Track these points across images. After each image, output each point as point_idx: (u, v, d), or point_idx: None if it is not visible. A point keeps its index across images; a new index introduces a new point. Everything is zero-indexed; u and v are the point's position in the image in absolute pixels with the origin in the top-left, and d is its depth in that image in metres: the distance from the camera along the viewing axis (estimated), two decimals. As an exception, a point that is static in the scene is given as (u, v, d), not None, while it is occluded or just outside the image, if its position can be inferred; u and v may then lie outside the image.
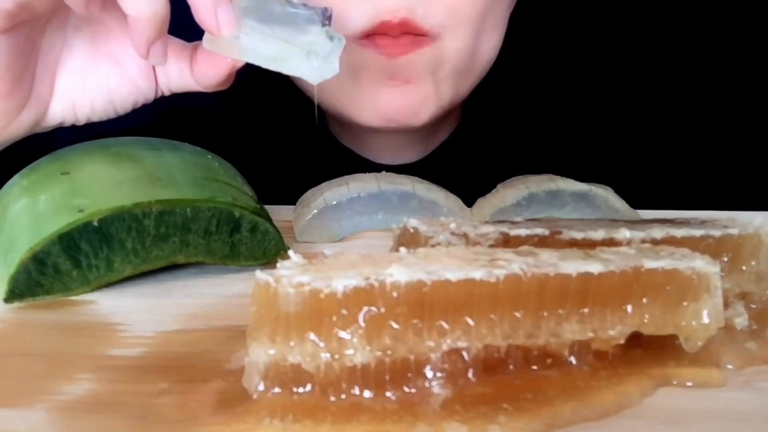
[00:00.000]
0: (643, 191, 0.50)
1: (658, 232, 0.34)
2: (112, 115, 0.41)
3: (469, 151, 0.62)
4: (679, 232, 0.35)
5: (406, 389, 0.28)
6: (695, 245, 0.33)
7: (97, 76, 0.39)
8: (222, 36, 0.35)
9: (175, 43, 0.39)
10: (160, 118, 0.62)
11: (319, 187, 0.46)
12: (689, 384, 0.29)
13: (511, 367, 0.29)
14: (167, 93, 0.41)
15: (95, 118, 0.40)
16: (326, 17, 0.37)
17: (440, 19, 0.50)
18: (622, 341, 0.30)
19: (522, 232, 0.35)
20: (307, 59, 0.36)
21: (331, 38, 0.36)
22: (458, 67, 0.53)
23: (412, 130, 0.56)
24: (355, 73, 0.52)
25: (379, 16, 0.49)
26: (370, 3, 0.49)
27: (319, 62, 0.36)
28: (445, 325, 0.27)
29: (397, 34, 0.50)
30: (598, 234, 0.34)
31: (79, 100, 0.39)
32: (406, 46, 0.50)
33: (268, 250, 0.39)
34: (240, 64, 0.38)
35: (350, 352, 0.26)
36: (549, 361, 0.29)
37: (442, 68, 0.52)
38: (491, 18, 0.53)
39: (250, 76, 0.38)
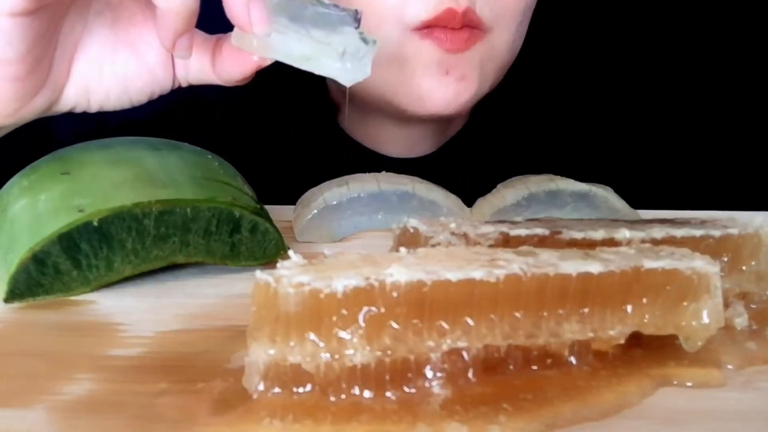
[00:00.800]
0: (643, 191, 0.50)
1: (658, 232, 0.34)
2: (126, 105, 0.40)
3: (475, 148, 0.62)
4: (679, 232, 0.35)
5: (406, 389, 0.28)
6: (695, 245, 0.33)
7: (114, 64, 0.38)
8: (254, 33, 0.35)
9: (198, 35, 0.38)
10: (164, 112, 0.61)
11: (319, 187, 0.46)
12: (689, 384, 0.29)
13: (511, 367, 0.29)
14: (184, 85, 0.40)
15: (109, 107, 0.40)
16: (356, 19, 0.36)
17: (496, 12, 0.51)
18: (622, 341, 0.30)
19: (522, 232, 0.35)
20: (341, 60, 0.35)
21: (365, 40, 0.36)
22: (503, 60, 0.54)
23: (431, 122, 0.56)
24: (407, 65, 0.52)
25: (444, 3, 0.49)
26: None
27: (352, 63, 0.36)
28: (445, 325, 0.27)
29: (458, 26, 0.50)
30: (598, 234, 0.34)
31: (94, 87, 0.39)
32: (464, 42, 0.50)
33: (268, 250, 0.39)
34: (267, 63, 0.37)
35: (350, 352, 0.26)
36: (549, 361, 0.29)
37: (491, 62, 0.53)
38: (530, 10, 0.55)
39: (261, 70, 0.38)
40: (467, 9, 0.49)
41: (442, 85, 0.52)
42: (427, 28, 0.50)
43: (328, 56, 0.36)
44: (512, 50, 0.55)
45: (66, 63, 0.38)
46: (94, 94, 0.39)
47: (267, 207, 0.41)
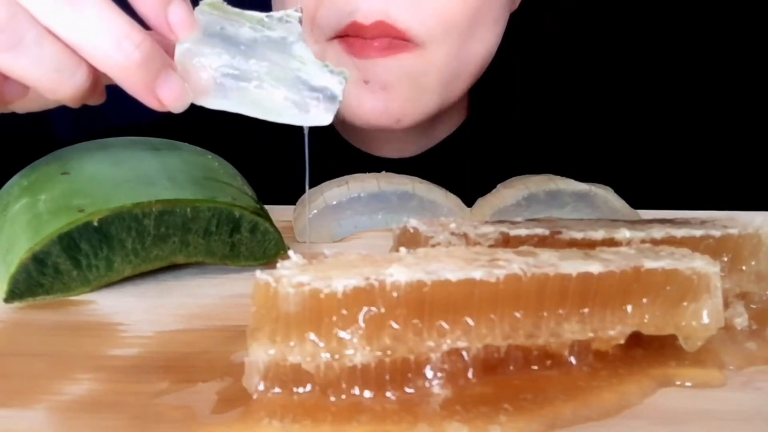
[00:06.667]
0: (643, 191, 0.50)
1: (658, 232, 0.34)
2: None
3: (472, 147, 0.62)
4: (679, 232, 0.35)
5: (407, 389, 0.28)
6: (695, 245, 0.33)
7: None
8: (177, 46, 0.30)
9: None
10: (164, 113, 0.61)
11: (319, 187, 0.46)
12: (689, 384, 0.29)
13: (511, 367, 0.29)
14: None
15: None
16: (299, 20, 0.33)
17: (428, 27, 0.50)
18: (622, 341, 0.30)
19: (522, 232, 0.35)
20: (306, 109, 0.33)
21: (332, 73, 0.33)
22: (445, 73, 0.53)
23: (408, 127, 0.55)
24: None
25: (351, 15, 0.48)
26: (346, 4, 0.48)
27: (317, 106, 0.33)
28: (445, 325, 0.27)
29: (369, 36, 0.49)
30: (598, 234, 0.34)
31: None
32: (379, 50, 0.49)
33: (268, 250, 0.39)
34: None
35: (350, 352, 0.26)
36: (549, 361, 0.29)
37: (427, 76, 0.52)
38: (483, 21, 0.53)
39: None
40: (378, 23, 0.48)
41: (367, 94, 0.51)
42: (338, 38, 0.50)
43: (287, 108, 0.33)
44: (464, 61, 0.53)
45: None
46: None
47: (267, 207, 0.41)
